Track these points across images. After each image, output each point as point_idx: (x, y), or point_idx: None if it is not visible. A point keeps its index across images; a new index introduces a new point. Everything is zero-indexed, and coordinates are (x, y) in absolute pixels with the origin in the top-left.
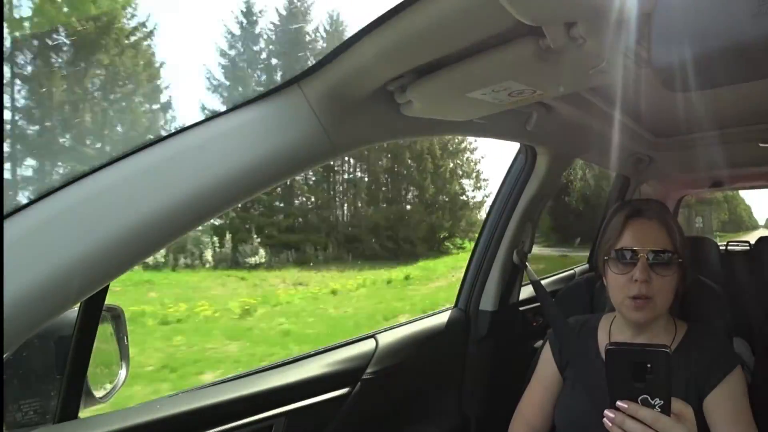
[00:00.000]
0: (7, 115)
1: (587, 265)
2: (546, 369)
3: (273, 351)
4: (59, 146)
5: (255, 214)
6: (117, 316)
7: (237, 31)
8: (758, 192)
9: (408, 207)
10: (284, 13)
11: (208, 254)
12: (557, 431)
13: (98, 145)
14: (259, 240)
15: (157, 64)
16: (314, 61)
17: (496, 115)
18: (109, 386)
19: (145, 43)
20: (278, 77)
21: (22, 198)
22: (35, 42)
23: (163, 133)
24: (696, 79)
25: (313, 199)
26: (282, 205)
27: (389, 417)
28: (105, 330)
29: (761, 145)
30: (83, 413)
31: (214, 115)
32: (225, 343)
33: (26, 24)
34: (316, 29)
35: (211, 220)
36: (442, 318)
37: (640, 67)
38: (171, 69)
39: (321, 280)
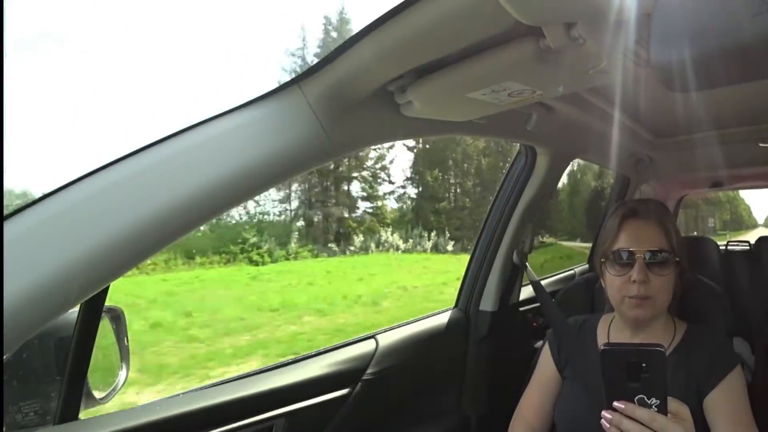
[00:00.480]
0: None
1: (587, 265)
2: (546, 369)
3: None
4: None
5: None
6: (117, 317)
7: None
8: (756, 192)
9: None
10: None
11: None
12: (557, 431)
13: None
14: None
15: None
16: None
17: (496, 115)
18: (109, 387)
19: None
20: None
21: None
22: None
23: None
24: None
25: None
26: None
27: (390, 417)
28: (105, 331)
29: (761, 145)
30: (84, 414)
31: (215, 116)
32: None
33: None
34: None
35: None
36: (442, 318)
37: (639, 67)
38: None
39: None
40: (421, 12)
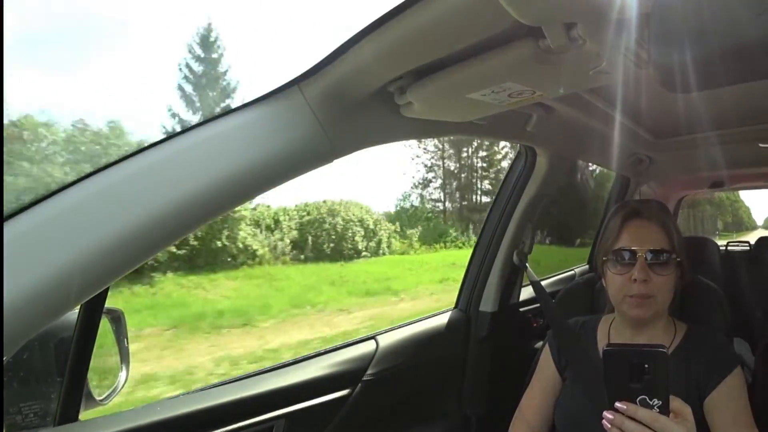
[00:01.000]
0: None
1: (587, 266)
2: (546, 370)
3: None
4: None
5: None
6: (117, 318)
7: None
8: (756, 194)
9: None
10: None
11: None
12: (557, 431)
13: None
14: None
15: None
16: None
17: (496, 116)
18: (109, 388)
19: None
20: None
21: None
22: None
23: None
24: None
25: None
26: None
27: (390, 418)
28: (105, 332)
29: (761, 145)
30: (84, 415)
31: (215, 117)
32: None
33: None
34: None
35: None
36: (443, 319)
37: (639, 68)
38: None
39: None
40: (421, 12)
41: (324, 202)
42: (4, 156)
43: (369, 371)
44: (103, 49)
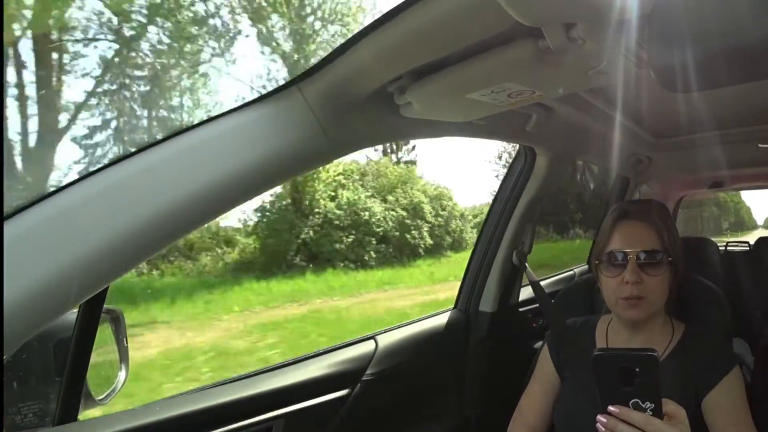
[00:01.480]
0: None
1: (587, 266)
2: (545, 370)
3: None
4: None
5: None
6: (116, 318)
7: None
8: (756, 194)
9: None
10: None
11: None
12: (556, 431)
13: None
14: None
15: None
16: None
17: (496, 116)
18: (108, 388)
19: None
20: None
21: None
22: None
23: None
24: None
25: None
26: None
27: (389, 418)
28: (104, 332)
29: (761, 145)
30: (83, 415)
31: (214, 117)
32: None
33: None
34: None
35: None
36: (442, 319)
37: (639, 68)
38: None
39: None
40: (421, 12)
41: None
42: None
43: (368, 371)
44: None
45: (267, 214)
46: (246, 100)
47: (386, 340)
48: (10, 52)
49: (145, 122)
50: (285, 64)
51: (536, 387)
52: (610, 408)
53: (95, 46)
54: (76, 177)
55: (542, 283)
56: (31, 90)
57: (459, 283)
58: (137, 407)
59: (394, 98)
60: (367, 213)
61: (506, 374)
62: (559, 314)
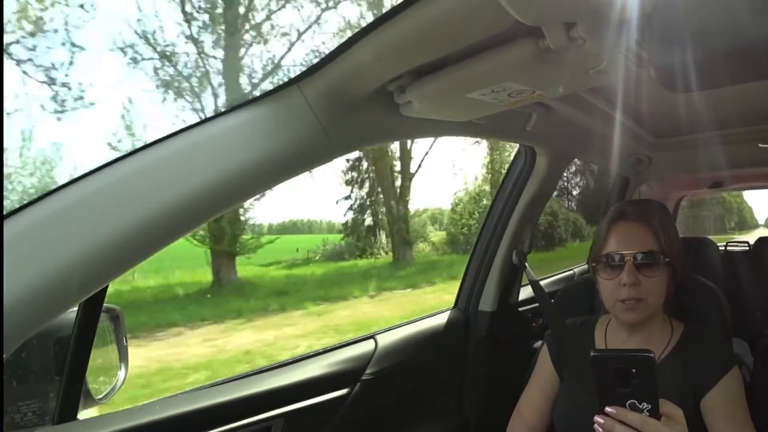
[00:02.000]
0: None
1: (587, 266)
2: (544, 369)
3: None
4: None
5: None
6: (116, 317)
7: None
8: (757, 194)
9: None
10: None
11: None
12: (555, 431)
13: None
14: None
15: None
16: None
17: (496, 115)
18: (108, 387)
19: None
20: None
21: None
22: None
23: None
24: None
25: None
26: None
27: (389, 417)
28: (104, 331)
29: (761, 145)
30: (82, 414)
31: (214, 116)
32: None
33: None
34: None
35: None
36: (442, 318)
37: (640, 68)
38: None
39: None
40: (421, 12)
41: None
42: None
43: (368, 371)
44: None
45: None
46: (246, 99)
47: (386, 339)
48: None
49: None
50: None
51: (535, 387)
52: (607, 409)
53: None
54: (76, 176)
55: (542, 282)
56: None
57: None
58: (137, 406)
59: (395, 97)
60: None
61: (506, 374)
62: (558, 314)
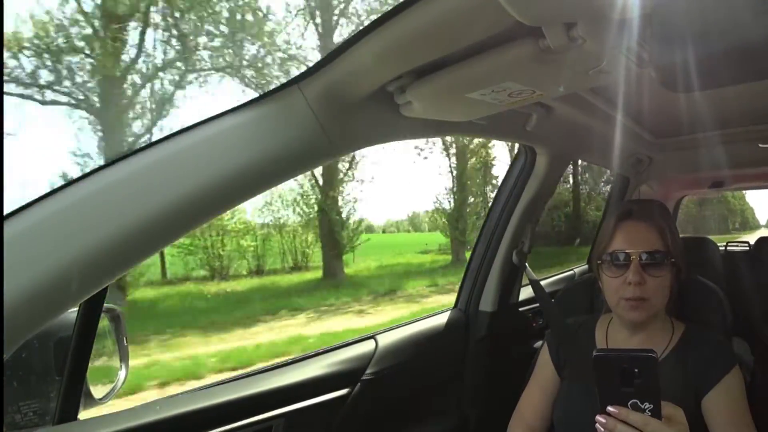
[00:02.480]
0: None
1: (587, 266)
2: (544, 369)
3: None
4: None
5: None
6: (116, 317)
7: None
8: (758, 196)
9: None
10: None
11: None
12: (555, 431)
13: None
14: None
15: None
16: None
17: (496, 115)
18: (108, 387)
19: None
20: None
21: None
22: None
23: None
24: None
25: None
26: None
27: (389, 417)
28: (104, 331)
29: (761, 145)
30: (83, 414)
31: (214, 116)
32: None
33: None
34: None
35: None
36: (442, 318)
37: (640, 68)
38: None
39: None
40: (421, 12)
41: None
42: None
43: (368, 371)
44: None
45: None
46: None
47: (386, 339)
48: None
49: None
50: None
51: (536, 387)
52: (609, 408)
53: None
54: (76, 176)
55: (542, 282)
56: None
57: None
58: (137, 406)
59: (395, 98)
60: None
61: (506, 374)
62: (559, 314)
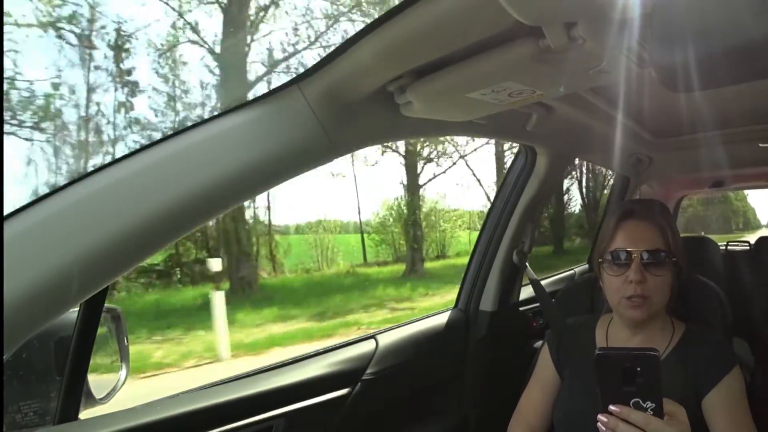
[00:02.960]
0: None
1: (587, 266)
2: (545, 369)
3: None
4: None
5: None
6: (117, 317)
7: None
8: (759, 196)
9: None
10: None
11: None
12: (556, 431)
13: None
14: None
15: None
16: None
17: (496, 115)
18: (109, 387)
19: None
20: None
21: None
22: None
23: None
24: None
25: None
26: None
27: (389, 417)
28: (105, 331)
29: (761, 145)
30: (83, 414)
31: (215, 116)
32: None
33: None
34: None
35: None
36: (442, 318)
37: (640, 68)
38: None
39: None
40: (421, 12)
41: None
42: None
43: (368, 370)
44: None
45: None
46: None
47: (386, 339)
48: None
49: None
50: None
51: (536, 386)
52: (611, 407)
53: None
54: (76, 176)
55: (542, 282)
56: None
57: None
58: (137, 406)
59: (395, 97)
60: None
61: (506, 374)
62: (559, 314)
